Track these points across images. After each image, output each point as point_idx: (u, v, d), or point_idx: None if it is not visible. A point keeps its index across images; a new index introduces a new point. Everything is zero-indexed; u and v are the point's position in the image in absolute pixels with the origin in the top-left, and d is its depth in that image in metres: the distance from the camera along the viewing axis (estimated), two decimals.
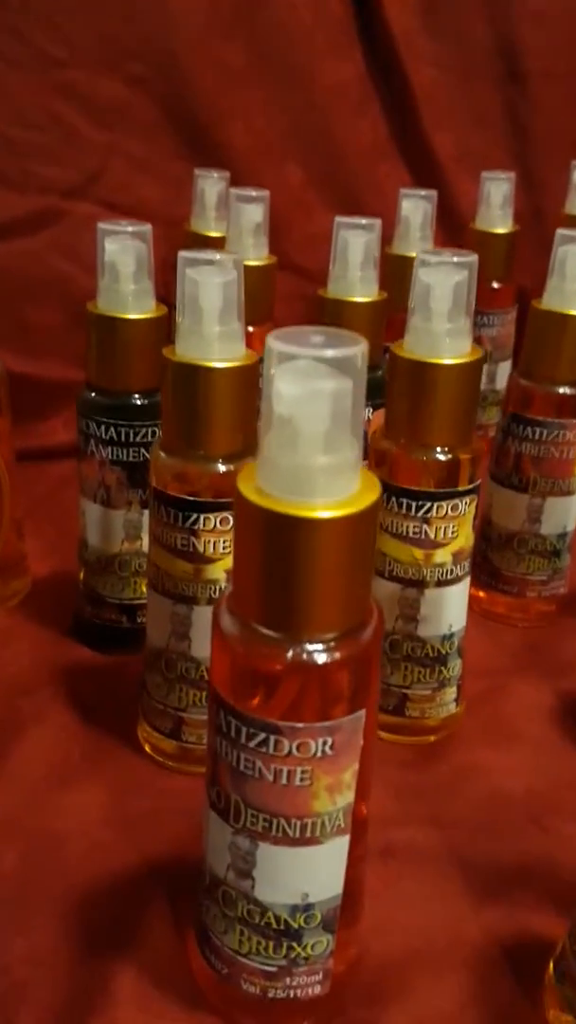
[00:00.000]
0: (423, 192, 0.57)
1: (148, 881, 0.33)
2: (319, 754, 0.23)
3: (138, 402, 0.41)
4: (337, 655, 0.23)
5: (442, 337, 0.35)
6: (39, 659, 0.45)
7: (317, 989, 0.27)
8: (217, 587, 0.35)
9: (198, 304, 0.33)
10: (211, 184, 0.59)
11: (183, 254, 0.33)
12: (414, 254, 0.58)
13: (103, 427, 0.41)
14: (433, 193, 0.57)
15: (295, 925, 0.26)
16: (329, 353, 0.21)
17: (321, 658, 0.23)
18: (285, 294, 0.58)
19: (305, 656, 0.23)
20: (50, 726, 0.40)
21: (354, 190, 0.71)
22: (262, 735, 0.23)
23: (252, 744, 0.24)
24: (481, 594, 0.50)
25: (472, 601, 0.50)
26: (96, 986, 0.28)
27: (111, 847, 0.34)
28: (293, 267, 0.67)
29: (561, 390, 0.45)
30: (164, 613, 0.36)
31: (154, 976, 0.29)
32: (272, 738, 0.23)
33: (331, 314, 0.46)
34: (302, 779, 0.24)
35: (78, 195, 0.63)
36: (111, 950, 0.30)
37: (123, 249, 0.40)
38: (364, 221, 0.45)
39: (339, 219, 0.45)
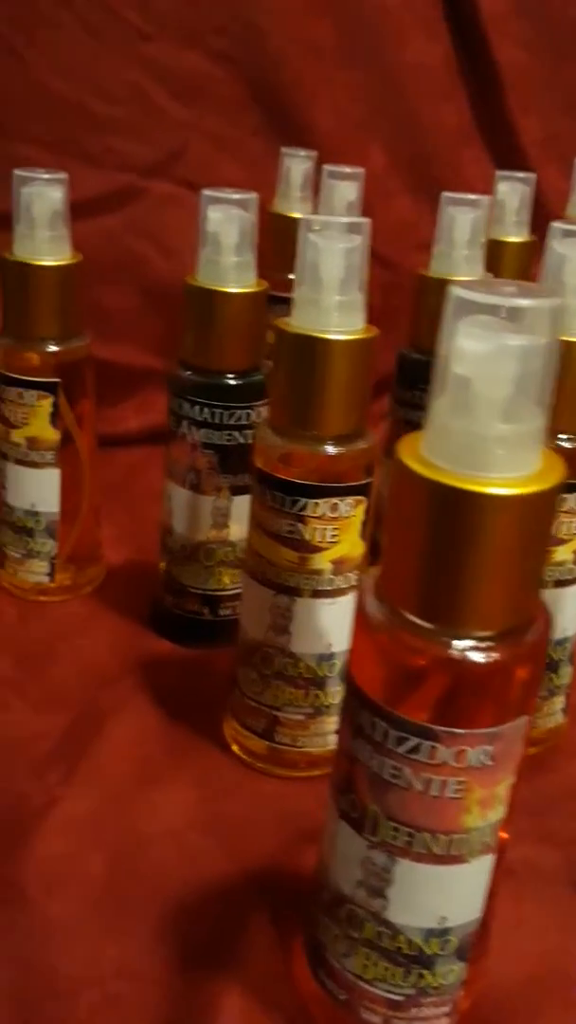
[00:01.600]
0: (520, 175, 0.54)
1: (246, 892, 0.30)
2: (477, 764, 0.21)
3: (234, 382, 0.39)
4: (499, 655, 0.20)
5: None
6: (117, 649, 0.43)
7: (444, 1022, 0.24)
8: (322, 579, 0.33)
9: (318, 272, 0.30)
10: (298, 163, 0.57)
11: (307, 218, 0.31)
12: (512, 239, 0.56)
13: (197, 408, 0.39)
14: (532, 176, 0.55)
15: (428, 951, 0.23)
16: (523, 302, 0.18)
17: (482, 657, 0.20)
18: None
19: (464, 654, 0.20)
20: (131, 720, 0.38)
21: (437, 175, 0.69)
22: (414, 740, 0.21)
23: (401, 749, 0.21)
24: None
25: None
26: (199, 1005, 0.26)
27: (203, 853, 0.32)
28: (372, 254, 0.65)
29: None
30: (263, 604, 0.34)
31: (260, 997, 0.27)
32: (426, 744, 0.21)
33: (434, 294, 0.43)
34: (455, 791, 0.21)
35: (157, 173, 0.62)
36: (212, 966, 0.27)
37: (227, 218, 0.37)
38: (472, 197, 0.42)
39: (446, 194, 0.42)
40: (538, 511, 0.20)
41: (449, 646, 0.20)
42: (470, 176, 0.70)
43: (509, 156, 0.71)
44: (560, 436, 0.33)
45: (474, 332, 0.18)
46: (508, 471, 0.19)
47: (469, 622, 0.20)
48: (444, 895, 0.23)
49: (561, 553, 0.34)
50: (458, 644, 0.20)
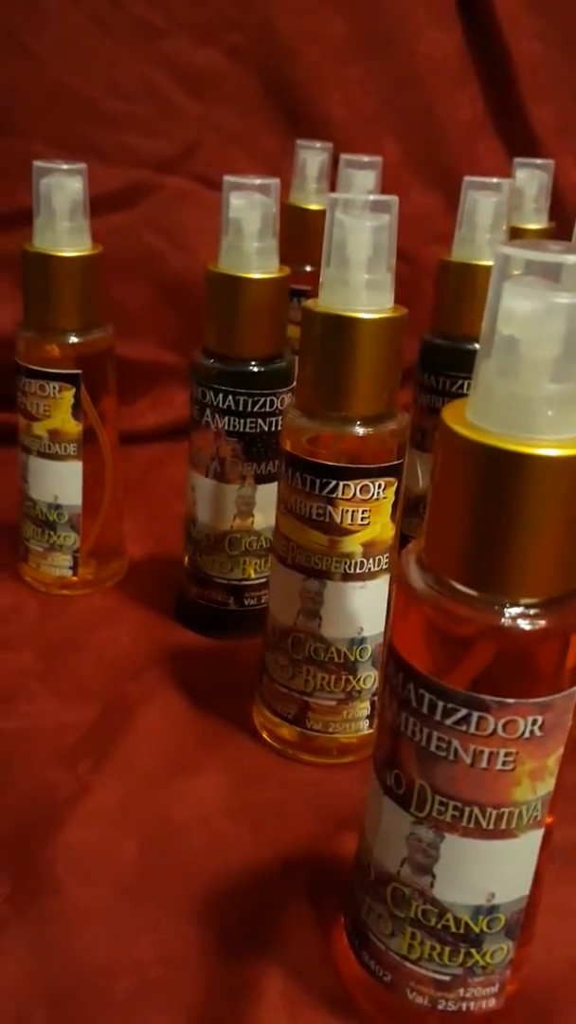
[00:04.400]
0: (539, 161, 0.54)
1: (282, 877, 0.30)
2: (527, 735, 0.20)
3: (257, 369, 0.39)
4: (546, 622, 0.20)
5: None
6: (142, 641, 0.43)
7: (492, 1003, 0.24)
8: (352, 562, 0.33)
9: (346, 251, 0.30)
10: (313, 155, 0.57)
11: (333, 196, 0.30)
12: (531, 226, 0.56)
13: (221, 395, 0.39)
14: (550, 163, 0.54)
15: (476, 929, 0.23)
16: (571, 258, 0.18)
17: (529, 624, 0.20)
18: None
19: (512, 621, 0.20)
20: (160, 711, 0.38)
21: (451, 167, 0.69)
22: (463, 711, 0.20)
23: (449, 721, 0.21)
24: None
25: None
26: (240, 990, 0.26)
27: (236, 839, 0.31)
28: None
29: None
30: (293, 589, 0.34)
31: (301, 982, 0.26)
32: (475, 715, 0.20)
33: (456, 279, 0.43)
34: (505, 763, 0.21)
35: (172, 169, 0.62)
36: (251, 951, 0.27)
37: (249, 204, 0.37)
38: (494, 180, 0.42)
39: (468, 179, 0.42)
40: None
41: (497, 614, 0.20)
42: (485, 167, 0.69)
43: (524, 147, 0.71)
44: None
45: (521, 291, 0.18)
46: (557, 432, 0.19)
47: (517, 589, 0.20)
48: (492, 871, 0.22)
49: None
50: (506, 612, 0.20)
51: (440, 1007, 0.24)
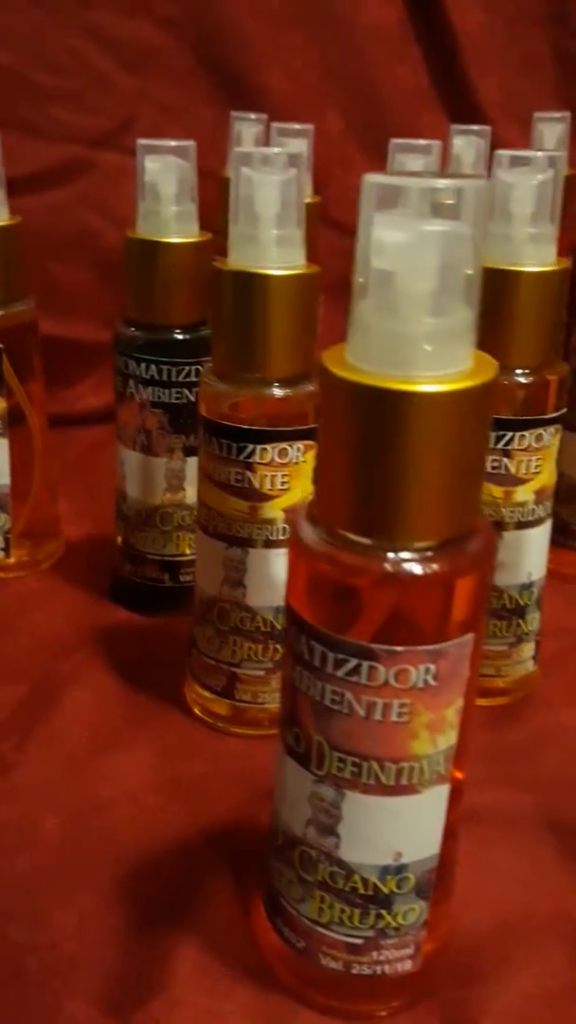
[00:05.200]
0: (476, 127, 0.53)
1: (205, 849, 0.29)
2: (420, 684, 0.20)
3: (181, 337, 0.38)
4: (439, 566, 0.20)
5: (524, 244, 0.31)
6: (75, 622, 0.42)
7: (407, 965, 0.24)
8: (274, 528, 0.32)
9: (253, 206, 0.29)
10: (248, 127, 0.56)
11: (237, 151, 0.30)
12: None
13: (143, 365, 0.38)
14: (487, 129, 0.54)
15: (385, 890, 0.22)
16: (441, 184, 0.17)
17: (421, 569, 0.19)
18: (323, 250, 0.55)
19: (402, 566, 0.19)
20: (89, 689, 0.37)
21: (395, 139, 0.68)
22: (353, 662, 0.20)
23: (341, 673, 0.20)
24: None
25: None
26: (153, 963, 0.25)
27: (161, 813, 0.31)
28: (330, 221, 0.64)
29: None
30: (216, 558, 0.33)
31: (217, 952, 0.26)
32: (365, 665, 0.20)
33: None
34: (400, 714, 0.20)
35: (107, 144, 0.60)
36: (168, 924, 0.26)
37: (165, 168, 0.36)
38: (422, 142, 0.41)
39: (394, 141, 0.42)
40: (471, 410, 0.19)
41: (389, 561, 0.19)
42: (429, 139, 0.69)
43: (468, 118, 0.70)
44: (518, 371, 0.32)
45: (392, 222, 0.17)
46: (437, 368, 0.18)
47: (406, 533, 0.19)
48: (397, 829, 0.22)
49: (522, 493, 0.34)
50: (394, 556, 0.19)
51: (354, 971, 0.23)
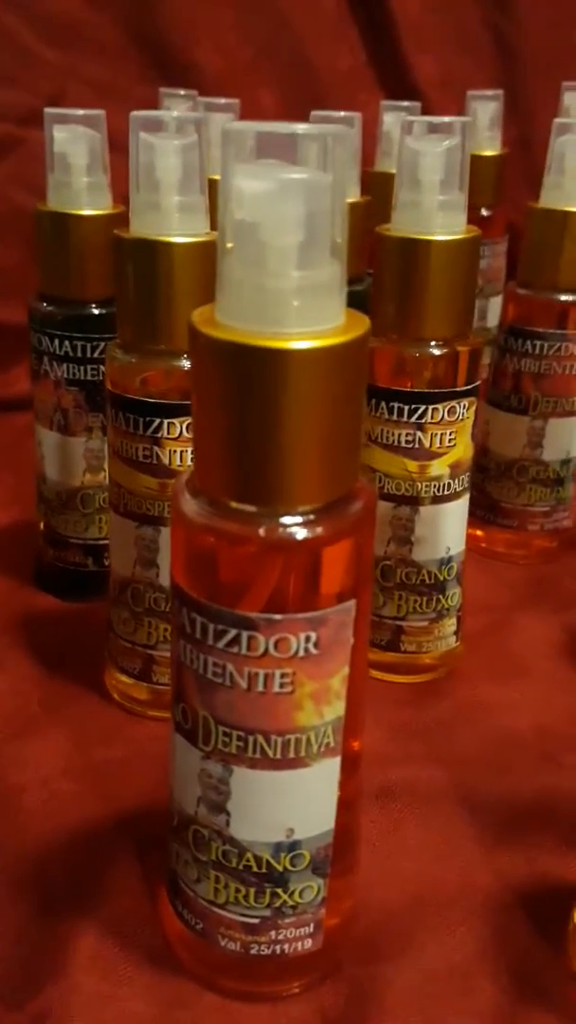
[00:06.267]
0: (405, 103, 0.53)
1: (115, 834, 0.29)
2: (301, 653, 0.19)
3: (96, 312, 0.37)
4: (320, 530, 0.19)
5: (434, 212, 0.31)
6: None
7: (308, 944, 0.23)
8: None
9: (154, 173, 0.29)
10: (177, 103, 0.55)
11: (135, 115, 0.29)
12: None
13: (57, 341, 0.37)
14: (416, 105, 0.53)
15: (279, 867, 0.22)
16: (300, 129, 0.16)
17: (301, 533, 0.19)
18: None
19: (280, 531, 0.19)
20: (7, 676, 0.36)
21: None
22: (232, 632, 0.19)
23: (221, 644, 0.19)
24: (479, 532, 0.46)
25: (469, 540, 0.46)
26: (53, 949, 0.24)
27: (74, 798, 0.30)
28: None
29: (563, 297, 0.41)
30: (128, 538, 0.32)
31: (120, 936, 0.25)
32: (244, 635, 0.19)
33: None
34: (282, 685, 0.20)
35: (35, 121, 0.58)
36: (72, 911, 0.26)
37: (73, 138, 0.35)
38: (341, 114, 0.41)
39: (315, 113, 0.41)
40: (345, 366, 0.18)
41: (266, 525, 0.19)
42: (367, 119, 0.68)
43: (405, 96, 0.69)
44: (431, 343, 0.32)
45: (253, 171, 0.17)
46: (306, 324, 0.18)
47: (283, 498, 0.19)
48: (288, 804, 0.21)
49: (437, 467, 0.33)
50: (266, 522, 0.19)
51: (253, 952, 0.23)
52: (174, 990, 0.24)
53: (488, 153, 0.60)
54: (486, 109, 0.60)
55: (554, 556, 0.46)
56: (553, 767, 0.32)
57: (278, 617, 0.19)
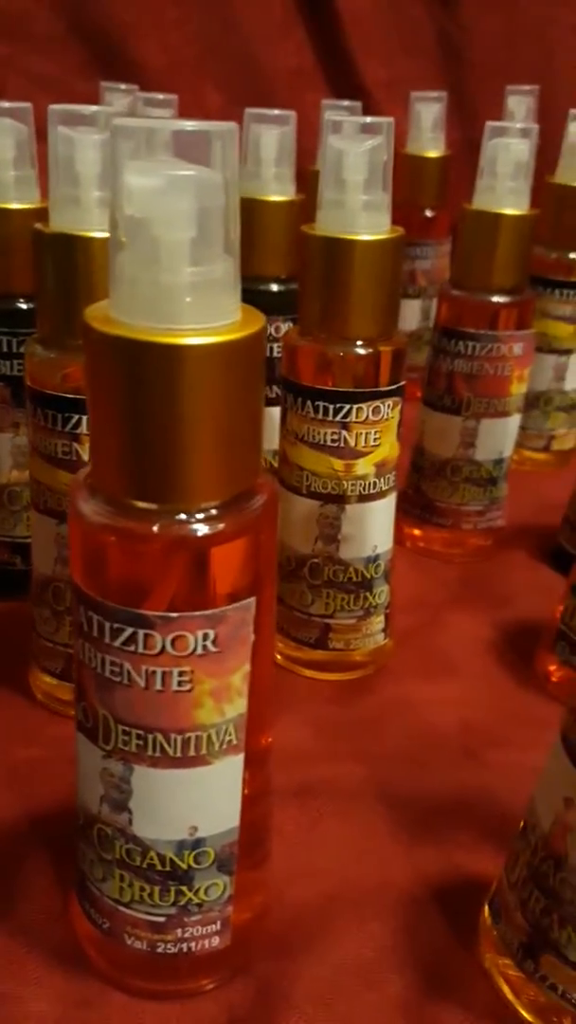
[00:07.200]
0: (346, 103, 0.53)
1: (27, 835, 0.28)
2: (200, 651, 0.19)
3: (24, 306, 0.36)
4: (221, 526, 0.19)
5: (358, 211, 0.31)
6: None
7: (215, 942, 0.23)
8: None
9: (74, 167, 0.28)
10: (119, 98, 0.55)
11: (54, 108, 0.28)
12: None
13: None
14: (357, 104, 0.54)
15: (183, 865, 0.22)
16: (188, 126, 0.16)
17: (201, 530, 0.19)
18: None
19: (180, 529, 0.19)
20: None
21: None
22: (128, 630, 0.19)
23: (118, 643, 0.19)
24: (416, 531, 0.47)
25: (406, 539, 0.46)
26: None
27: None
28: None
29: (495, 299, 0.42)
30: (48, 536, 0.32)
31: (30, 937, 0.25)
32: (141, 633, 0.19)
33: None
34: (180, 683, 0.19)
35: None
36: None
37: None
38: (276, 112, 0.41)
39: (249, 111, 0.41)
40: (240, 362, 0.18)
41: (163, 523, 0.19)
42: (314, 120, 0.68)
43: (352, 97, 0.70)
44: (356, 343, 0.32)
45: (141, 167, 0.17)
46: (199, 320, 0.18)
47: (182, 495, 0.19)
48: (190, 802, 0.21)
49: (363, 466, 0.33)
50: (166, 520, 0.19)
51: (159, 950, 0.23)
52: (81, 990, 0.24)
53: (432, 154, 0.61)
54: (430, 110, 0.61)
55: (489, 554, 0.47)
56: (475, 764, 0.32)
57: (175, 615, 0.19)
